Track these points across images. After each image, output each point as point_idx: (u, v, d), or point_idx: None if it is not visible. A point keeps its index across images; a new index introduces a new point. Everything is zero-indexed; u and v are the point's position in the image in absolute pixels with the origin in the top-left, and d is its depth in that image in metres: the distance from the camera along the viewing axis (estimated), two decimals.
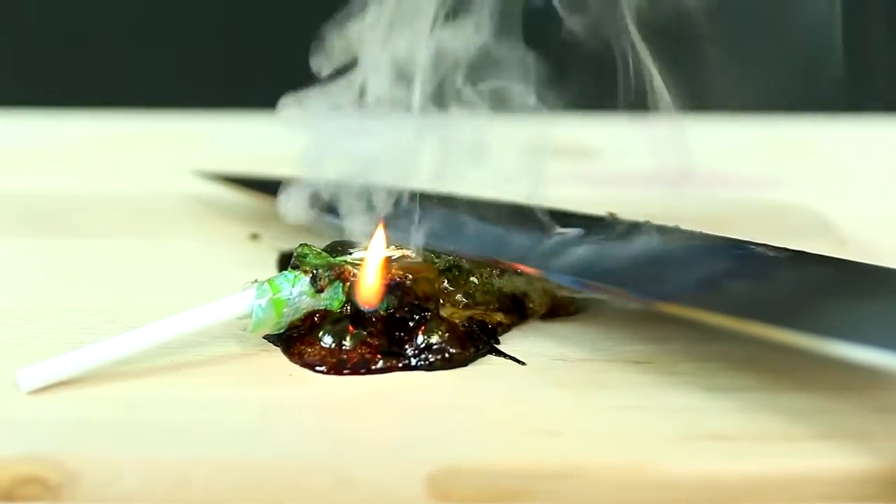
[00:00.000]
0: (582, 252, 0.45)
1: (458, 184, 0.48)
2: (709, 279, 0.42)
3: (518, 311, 0.45)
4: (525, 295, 0.45)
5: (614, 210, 0.48)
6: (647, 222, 0.47)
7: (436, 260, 0.45)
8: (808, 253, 0.43)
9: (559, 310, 0.45)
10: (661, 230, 0.46)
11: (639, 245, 0.45)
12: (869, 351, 0.35)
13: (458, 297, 0.45)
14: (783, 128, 0.77)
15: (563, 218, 0.48)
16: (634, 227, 0.46)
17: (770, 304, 0.39)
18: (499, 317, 0.44)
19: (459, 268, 0.45)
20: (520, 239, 0.47)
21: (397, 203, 0.47)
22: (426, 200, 0.47)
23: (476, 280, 0.45)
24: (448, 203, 0.50)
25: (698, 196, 0.64)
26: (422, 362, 0.41)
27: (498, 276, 0.45)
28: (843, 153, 0.75)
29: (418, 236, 0.45)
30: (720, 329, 0.38)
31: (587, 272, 0.43)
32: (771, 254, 0.43)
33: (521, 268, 0.44)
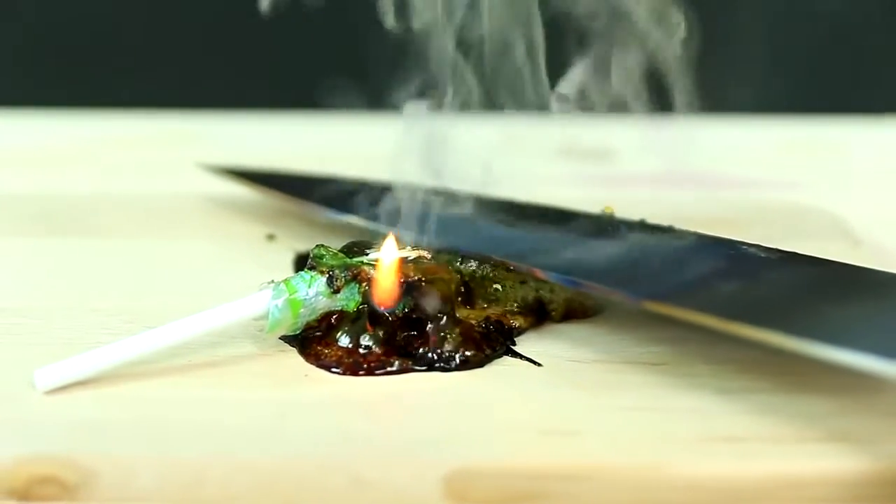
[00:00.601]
0: (574, 250, 0.45)
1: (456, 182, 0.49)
2: (699, 279, 0.42)
3: (538, 315, 0.45)
4: (550, 302, 0.45)
5: (623, 212, 0.48)
6: (642, 221, 0.47)
7: (460, 269, 0.45)
8: (799, 254, 0.43)
9: (575, 312, 0.45)
10: (655, 229, 0.46)
11: (631, 244, 0.45)
12: (851, 355, 0.35)
13: (481, 301, 0.45)
14: (800, 129, 0.76)
15: (558, 216, 0.48)
16: (627, 226, 0.46)
17: (757, 306, 0.39)
18: (518, 321, 0.44)
19: (483, 277, 0.45)
20: (513, 236, 0.47)
21: (408, 200, 0.48)
22: (428, 197, 0.48)
23: (500, 288, 0.45)
24: (442, 199, 0.50)
25: (713, 198, 0.64)
26: (437, 363, 0.41)
27: (521, 283, 0.45)
28: (859, 155, 0.75)
29: (422, 233, 0.45)
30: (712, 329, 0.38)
31: (578, 270, 0.43)
32: (762, 254, 0.43)
33: (513, 265, 0.44)
